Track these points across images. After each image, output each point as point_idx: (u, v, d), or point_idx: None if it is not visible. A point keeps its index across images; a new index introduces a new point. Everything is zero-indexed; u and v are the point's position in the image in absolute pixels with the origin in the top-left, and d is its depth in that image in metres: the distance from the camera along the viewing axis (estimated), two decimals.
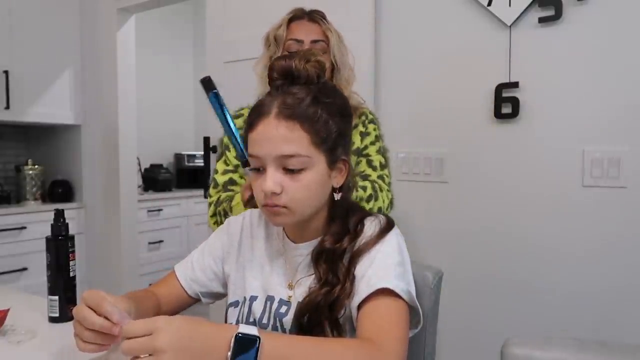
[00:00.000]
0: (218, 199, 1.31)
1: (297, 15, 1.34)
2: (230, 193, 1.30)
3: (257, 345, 0.62)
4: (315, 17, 1.33)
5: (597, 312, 1.58)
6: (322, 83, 0.82)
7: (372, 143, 1.36)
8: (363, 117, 1.37)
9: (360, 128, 1.36)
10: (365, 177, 1.33)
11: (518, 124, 1.70)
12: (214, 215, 1.30)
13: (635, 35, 1.51)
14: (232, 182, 1.33)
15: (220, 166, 1.36)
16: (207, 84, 0.93)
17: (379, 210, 1.28)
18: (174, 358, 0.59)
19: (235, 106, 2.32)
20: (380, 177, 1.34)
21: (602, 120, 1.56)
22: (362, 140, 1.35)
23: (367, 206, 1.24)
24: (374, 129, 1.39)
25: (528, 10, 1.65)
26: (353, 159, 1.33)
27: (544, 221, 1.66)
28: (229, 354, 0.61)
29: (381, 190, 1.31)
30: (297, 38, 1.29)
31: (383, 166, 1.37)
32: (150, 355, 0.59)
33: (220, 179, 1.34)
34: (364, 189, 1.26)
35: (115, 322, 0.68)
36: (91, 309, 0.71)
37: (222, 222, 1.24)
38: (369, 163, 1.34)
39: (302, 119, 0.77)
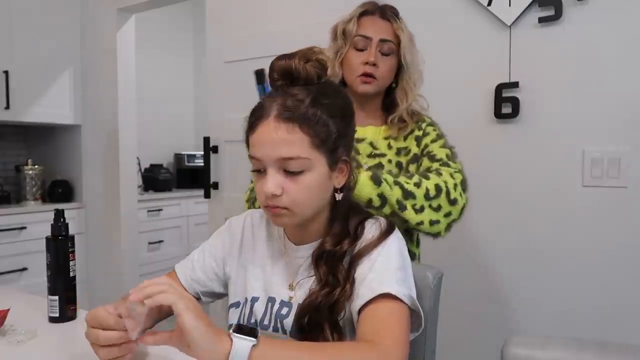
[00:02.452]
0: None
1: (369, 10, 1.27)
2: None
3: (256, 329, 0.66)
4: (387, 14, 1.26)
5: (597, 312, 1.58)
6: (323, 83, 0.82)
7: (434, 141, 1.25)
8: (420, 122, 1.29)
9: (417, 132, 1.27)
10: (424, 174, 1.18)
11: (518, 124, 1.69)
12: (249, 200, 1.29)
13: (635, 35, 1.51)
14: None
15: None
16: (259, 76, 1.03)
17: (437, 187, 1.11)
18: (196, 308, 0.65)
19: (236, 106, 2.31)
20: (445, 163, 1.19)
21: (602, 120, 1.56)
22: (419, 144, 1.25)
23: (412, 181, 1.10)
24: (434, 130, 1.28)
25: (528, 10, 1.65)
26: (412, 167, 1.23)
27: (544, 221, 1.66)
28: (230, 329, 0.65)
29: (438, 174, 1.15)
30: (365, 35, 1.23)
31: (450, 158, 1.22)
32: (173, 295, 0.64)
33: None
34: (410, 177, 1.12)
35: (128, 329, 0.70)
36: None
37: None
38: (431, 158, 1.22)
39: (302, 121, 0.76)
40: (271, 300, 0.88)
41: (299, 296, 0.84)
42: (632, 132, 1.52)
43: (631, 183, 1.53)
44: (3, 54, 2.77)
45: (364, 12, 1.27)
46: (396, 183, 1.08)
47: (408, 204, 1.08)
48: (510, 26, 1.68)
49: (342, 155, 0.83)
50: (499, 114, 1.71)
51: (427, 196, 1.10)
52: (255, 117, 0.80)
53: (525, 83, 1.67)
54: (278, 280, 0.89)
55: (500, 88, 1.70)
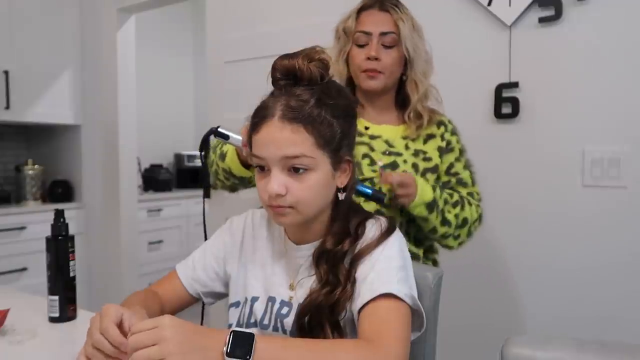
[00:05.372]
0: (213, 161, 1.30)
1: (367, 5, 1.25)
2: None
3: (252, 341, 0.65)
4: (386, 5, 1.23)
5: (597, 312, 1.58)
6: (326, 83, 0.81)
7: (458, 159, 1.28)
8: (442, 128, 1.28)
9: (439, 142, 1.26)
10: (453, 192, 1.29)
11: (518, 124, 1.69)
12: (216, 179, 1.33)
13: (635, 35, 1.51)
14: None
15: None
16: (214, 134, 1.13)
17: (465, 220, 1.21)
18: (177, 348, 0.62)
19: (236, 106, 2.30)
20: (470, 194, 1.28)
21: (602, 120, 1.56)
22: (442, 157, 1.26)
23: (453, 211, 1.20)
24: (457, 142, 1.30)
25: (528, 10, 1.65)
26: (431, 177, 1.24)
27: (544, 221, 1.65)
28: (225, 348, 0.64)
29: (469, 204, 1.24)
30: (365, 30, 1.21)
31: (473, 182, 1.30)
32: (154, 345, 0.62)
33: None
34: (451, 195, 1.22)
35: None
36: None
37: (220, 180, 1.28)
38: (459, 181, 1.28)
39: (306, 121, 0.77)
40: (271, 299, 0.88)
41: (300, 296, 0.84)
42: (632, 132, 1.52)
43: (631, 183, 1.53)
44: (3, 54, 2.77)
45: (363, 8, 1.25)
46: (441, 212, 1.18)
47: (440, 230, 1.21)
48: (510, 26, 1.68)
49: (345, 155, 0.83)
50: (499, 114, 1.71)
51: (456, 226, 1.21)
52: (259, 117, 0.80)
53: (525, 83, 1.67)
54: (278, 279, 0.89)
55: (500, 88, 1.70)
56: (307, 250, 0.87)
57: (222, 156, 1.24)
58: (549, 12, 1.61)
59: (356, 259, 0.82)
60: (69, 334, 0.98)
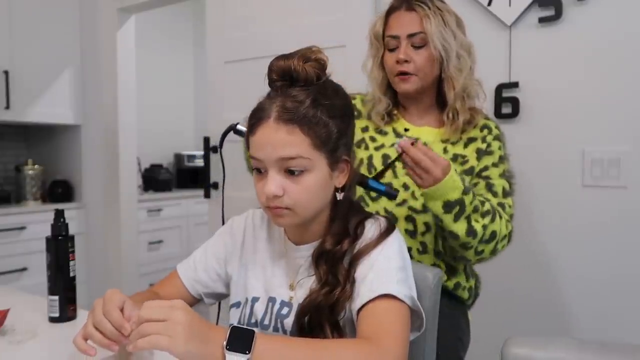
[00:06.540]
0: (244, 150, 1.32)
1: (394, 6, 1.20)
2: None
3: (252, 337, 0.66)
4: (412, 4, 1.16)
5: (597, 312, 1.58)
6: (322, 83, 0.81)
7: (495, 165, 1.18)
8: (485, 132, 1.20)
9: (479, 144, 1.19)
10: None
11: (518, 124, 1.69)
12: (248, 167, 1.32)
13: (635, 35, 1.51)
14: None
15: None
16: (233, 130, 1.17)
17: (493, 233, 1.08)
18: (183, 331, 0.63)
19: (236, 106, 2.30)
20: (501, 204, 1.15)
21: (602, 120, 1.56)
22: (479, 159, 1.18)
23: (482, 221, 1.06)
24: (499, 148, 1.20)
25: (528, 10, 1.65)
26: (467, 178, 1.15)
27: (544, 221, 1.65)
28: (225, 342, 0.65)
29: (500, 217, 1.11)
30: (392, 34, 1.18)
31: (506, 193, 1.17)
32: (164, 321, 0.63)
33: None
34: (482, 203, 1.08)
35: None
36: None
37: (251, 167, 1.29)
38: (489, 187, 1.16)
39: (302, 122, 0.77)
40: (272, 300, 0.88)
41: (300, 296, 0.84)
42: (632, 132, 1.52)
43: (631, 183, 1.53)
44: (3, 54, 2.77)
45: (390, 10, 1.22)
46: (466, 218, 1.05)
47: (463, 239, 1.07)
48: (510, 26, 1.68)
49: (342, 155, 0.83)
50: (499, 114, 1.71)
51: (482, 239, 1.08)
52: (255, 119, 0.80)
53: (525, 83, 1.67)
54: (278, 280, 0.89)
55: (500, 88, 1.70)
56: (306, 251, 0.87)
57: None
58: (549, 12, 1.61)
59: (355, 259, 0.82)
60: (69, 334, 0.97)
